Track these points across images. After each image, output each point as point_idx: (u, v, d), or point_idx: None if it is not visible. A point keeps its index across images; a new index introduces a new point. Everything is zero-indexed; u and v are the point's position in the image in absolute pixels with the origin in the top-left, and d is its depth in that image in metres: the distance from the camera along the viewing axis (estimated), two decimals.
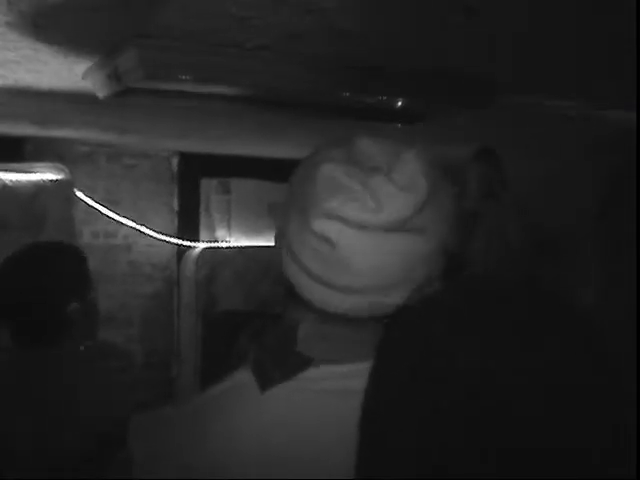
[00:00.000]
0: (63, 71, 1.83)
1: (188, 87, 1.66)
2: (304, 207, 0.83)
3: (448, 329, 0.56)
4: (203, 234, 4.08)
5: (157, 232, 3.86)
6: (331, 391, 0.81)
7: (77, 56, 1.65)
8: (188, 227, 4.01)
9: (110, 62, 1.59)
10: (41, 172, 3.23)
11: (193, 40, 1.49)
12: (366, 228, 0.80)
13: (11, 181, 3.14)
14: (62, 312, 1.59)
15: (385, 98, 1.82)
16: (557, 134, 3.12)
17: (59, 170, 3.28)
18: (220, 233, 4.09)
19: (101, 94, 1.76)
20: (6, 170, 3.17)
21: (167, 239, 3.90)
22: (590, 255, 3.51)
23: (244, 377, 0.86)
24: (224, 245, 4.04)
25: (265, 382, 0.83)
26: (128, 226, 3.74)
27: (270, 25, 1.39)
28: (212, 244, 4.03)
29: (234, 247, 4.03)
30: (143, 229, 3.80)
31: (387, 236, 0.80)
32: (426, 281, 0.83)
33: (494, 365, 0.53)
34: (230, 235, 4.10)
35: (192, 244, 3.98)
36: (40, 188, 3.20)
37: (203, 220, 4.09)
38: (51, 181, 3.24)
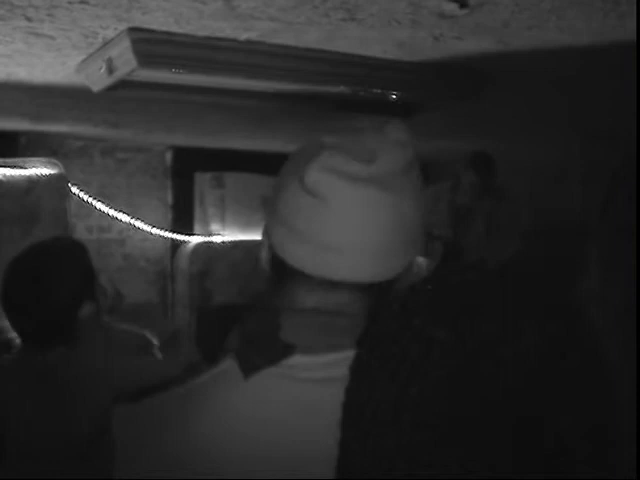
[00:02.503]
0: (56, 65, 1.82)
1: (181, 79, 1.65)
2: (296, 169, 0.85)
3: (430, 320, 0.56)
4: (197, 228, 4.07)
5: (151, 226, 3.85)
6: (314, 380, 0.81)
7: (70, 50, 1.65)
8: (182, 221, 4.01)
9: (104, 55, 1.59)
10: (35, 167, 3.22)
11: (187, 32, 1.49)
12: (358, 181, 0.81)
13: (5, 176, 3.13)
14: (73, 313, 1.53)
15: (378, 90, 1.82)
16: (557, 130, 3.12)
17: (53, 165, 3.27)
18: (214, 227, 4.09)
19: (95, 88, 1.75)
20: None
21: (161, 233, 3.89)
22: (589, 252, 3.49)
23: (228, 365, 0.86)
24: (218, 239, 4.04)
25: (248, 368, 0.83)
26: (122, 220, 3.74)
27: (264, 17, 1.39)
28: (206, 238, 4.03)
29: (228, 241, 4.03)
30: (137, 223, 3.79)
31: (377, 192, 0.81)
32: (413, 250, 0.85)
33: (476, 355, 0.53)
34: (224, 229, 4.10)
35: (186, 238, 3.97)
36: (34, 183, 3.19)
37: (197, 214, 4.09)
38: (45, 176, 3.23)
